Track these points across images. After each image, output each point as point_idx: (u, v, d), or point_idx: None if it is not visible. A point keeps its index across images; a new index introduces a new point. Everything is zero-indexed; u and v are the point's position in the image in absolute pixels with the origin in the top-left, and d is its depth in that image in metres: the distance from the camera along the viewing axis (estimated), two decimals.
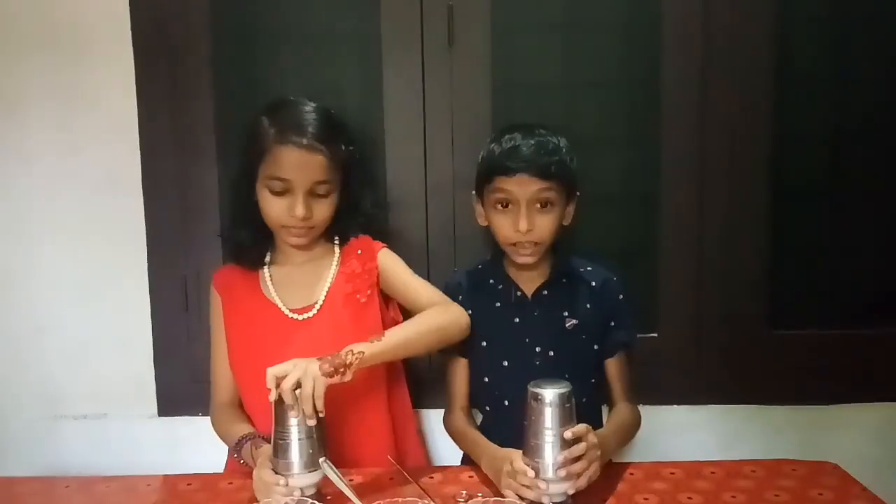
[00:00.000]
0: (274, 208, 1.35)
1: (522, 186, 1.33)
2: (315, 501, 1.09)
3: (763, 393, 1.68)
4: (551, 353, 1.41)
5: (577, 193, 1.42)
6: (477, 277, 1.48)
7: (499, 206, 1.38)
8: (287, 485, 1.12)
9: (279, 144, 1.32)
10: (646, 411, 1.54)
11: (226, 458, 1.45)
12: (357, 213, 1.45)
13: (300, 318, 1.40)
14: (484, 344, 1.43)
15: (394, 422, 1.47)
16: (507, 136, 1.37)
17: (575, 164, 1.39)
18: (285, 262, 1.45)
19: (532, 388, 1.15)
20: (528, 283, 1.45)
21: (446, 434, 1.48)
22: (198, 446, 1.54)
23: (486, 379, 1.44)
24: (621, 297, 1.46)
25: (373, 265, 1.46)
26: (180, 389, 1.68)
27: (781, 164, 1.64)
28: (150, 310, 1.67)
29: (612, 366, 1.46)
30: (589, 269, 1.46)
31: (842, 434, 1.67)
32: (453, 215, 1.65)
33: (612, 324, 1.45)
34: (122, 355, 1.69)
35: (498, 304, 1.44)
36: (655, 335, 1.69)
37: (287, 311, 1.40)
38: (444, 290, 1.47)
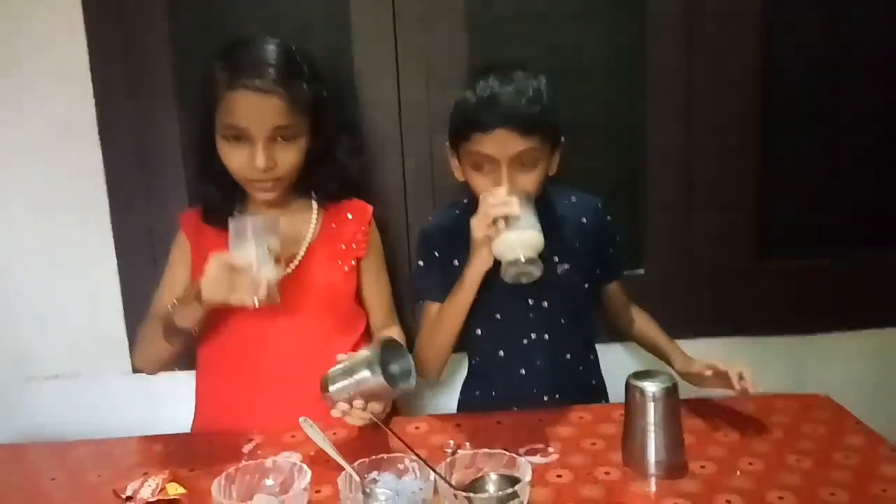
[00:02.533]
0: (234, 160, 1.26)
1: (503, 146, 1.19)
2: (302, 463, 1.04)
3: (753, 324, 1.66)
4: (545, 304, 1.35)
5: (563, 139, 1.30)
6: (455, 227, 1.35)
7: (475, 166, 1.25)
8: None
9: (231, 90, 1.22)
10: (633, 346, 1.54)
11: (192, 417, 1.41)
12: (332, 161, 1.36)
13: None
14: (476, 297, 1.35)
15: None
16: (483, 82, 1.23)
17: (558, 108, 1.26)
18: (258, 213, 1.37)
19: (634, 382, 1.07)
20: None
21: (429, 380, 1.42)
22: (174, 402, 1.48)
23: (479, 332, 1.39)
24: (609, 218, 1.41)
25: (364, 233, 1.39)
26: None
27: (772, 89, 1.58)
28: (116, 264, 1.60)
29: (615, 287, 1.45)
30: (573, 199, 1.39)
31: (833, 363, 1.67)
32: (431, 160, 1.57)
33: (611, 250, 1.41)
34: (92, 312, 1.62)
35: None
36: (642, 271, 1.65)
37: None
38: (419, 243, 1.41)
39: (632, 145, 1.61)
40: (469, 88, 1.25)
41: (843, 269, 1.66)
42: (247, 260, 1.14)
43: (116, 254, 1.59)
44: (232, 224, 1.18)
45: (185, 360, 1.39)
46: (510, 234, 1.14)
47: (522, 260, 1.13)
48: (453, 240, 1.34)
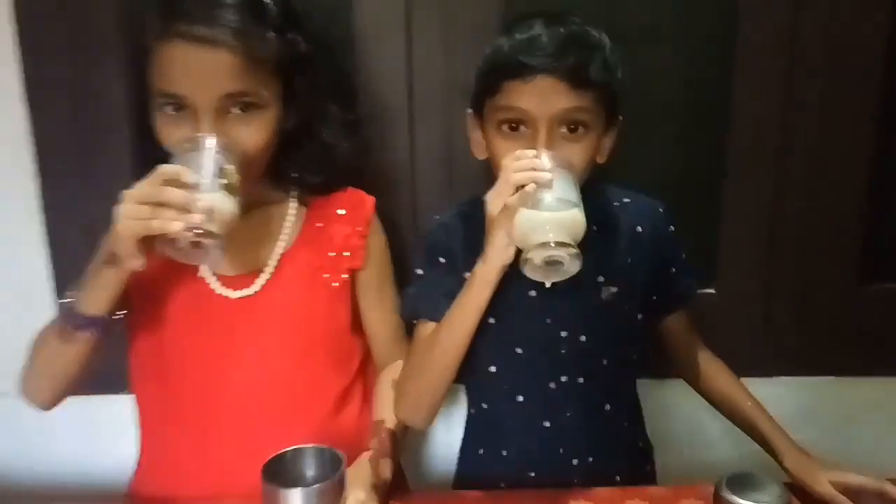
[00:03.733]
0: (172, 137, 0.92)
1: (544, 99, 0.91)
2: None
3: (849, 362, 1.33)
4: (582, 338, 1.03)
5: (620, 118, 1.00)
6: (472, 229, 1.04)
7: (505, 129, 0.95)
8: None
9: (162, 41, 0.89)
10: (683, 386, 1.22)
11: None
12: (315, 143, 1.03)
13: (234, 295, 1.01)
14: (492, 321, 1.02)
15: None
16: (524, 25, 0.95)
17: (619, 71, 0.96)
18: None
19: (730, 497, 0.80)
20: None
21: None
22: (119, 428, 1.21)
23: (493, 368, 1.06)
24: (672, 228, 1.08)
25: (361, 236, 1.07)
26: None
27: (892, 84, 1.22)
28: (49, 266, 1.29)
29: (677, 319, 1.12)
30: (626, 201, 1.07)
31: None
32: (448, 136, 1.23)
33: (673, 270, 1.08)
34: (20, 323, 1.27)
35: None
36: (712, 291, 1.32)
37: (214, 283, 1.01)
38: (427, 240, 1.07)
39: (708, 136, 1.28)
40: (504, 34, 0.97)
41: None
42: (193, 176, 0.84)
43: (50, 252, 1.30)
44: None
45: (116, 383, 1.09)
46: (538, 210, 0.85)
47: (552, 244, 0.82)
48: (467, 244, 1.02)
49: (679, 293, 1.11)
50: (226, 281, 1.01)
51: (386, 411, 1.04)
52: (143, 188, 0.83)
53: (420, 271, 1.07)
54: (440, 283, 1.03)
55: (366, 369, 1.14)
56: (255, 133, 0.93)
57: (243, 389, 1.01)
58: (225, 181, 0.86)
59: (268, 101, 0.94)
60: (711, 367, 1.14)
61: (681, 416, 1.35)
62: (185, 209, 0.81)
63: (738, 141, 1.25)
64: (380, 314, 1.12)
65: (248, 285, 1.01)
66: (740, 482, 0.80)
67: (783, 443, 1.04)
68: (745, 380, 1.31)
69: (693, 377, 1.15)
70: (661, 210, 1.08)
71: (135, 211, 0.82)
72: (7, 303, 1.32)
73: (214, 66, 0.88)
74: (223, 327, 1.00)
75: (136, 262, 0.84)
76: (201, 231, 0.81)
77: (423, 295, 1.06)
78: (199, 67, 0.88)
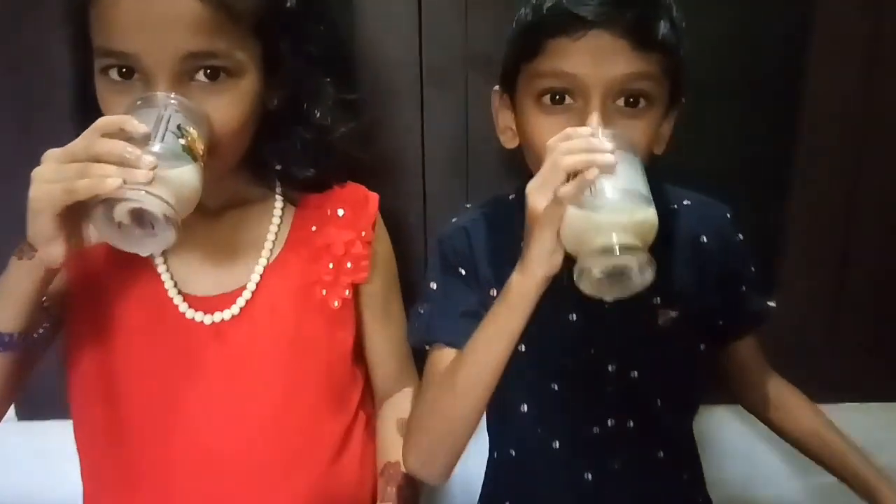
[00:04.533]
0: (117, 109, 0.70)
1: (598, 60, 0.72)
2: None
3: None
4: (634, 374, 0.84)
5: (683, 100, 0.81)
6: (498, 234, 0.86)
7: (546, 101, 0.76)
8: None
9: None
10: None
11: None
12: (303, 126, 0.82)
13: (209, 319, 0.81)
14: (522, 349, 0.81)
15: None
16: None
17: (686, 50, 0.77)
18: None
19: None
20: None
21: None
22: (69, 455, 0.98)
23: (525, 408, 0.86)
24: (740, 237, 0.89)
25: (366, 241, 0.87)
26: (44, 386, 1.10)
27: None
28: None
29: (746, 347, 0.95)
30: (687, 204, 0.88)
31: None
32: (465, 119, 1.03)
33: (743, 288, 0.89)
34: None
35: None
36: (772, 304, 1.11)
37: (183, 306, 0.81)
38: (440, 248, 0.87)
39: (777, 125, 1.07)
40: None
41: None
42: (142, 127, 0.65)
43: None
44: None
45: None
46: (600, 203, 0.65)
47: (617, 249, 0.63)
48: (492, 253, 0.84)
49: (751, 314, 0.91)
50: (196, 302, 0.81)
51: (395, 450, 0.85)
52: (72, 145, 0.63)
53: (434, 285, 0.86)
54: (459, 300, 0.84)
55: (366, 402, 0.94)
56: (226, 107, 0.72)
57: (215, 440, 0.81)
58: (184, 142, 0.66)
59: (243, 67, 0.73)
60: (789, 399, 0.95)
61: (732, 449, 1.16)
62: (126, 163, 0.61)
63: (809, 137, 1.06)
64: (385, 337, 0.93)
65: (224, 307, 0.81)
66: None
67: (882, 481, 0.87)
68: None
69: (764, 410, 0.97)
70: (728, 216, 0.89)
71: (56, 171, 0.62)
72: None
73: (173, 15, 0.68)
74: (191, 360, 0.80)
75: (54, 252, 0.65)
76: (149, 196, 0.61)
77: (438, 314, 0.85)
78: (152, 17, 0.68)
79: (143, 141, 0.64)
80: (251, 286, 0.82)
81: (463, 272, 0.85)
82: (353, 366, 0.90)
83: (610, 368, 0.84)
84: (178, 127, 0.67)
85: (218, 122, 0.72)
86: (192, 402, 0.80)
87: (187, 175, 0.66)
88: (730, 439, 1.13)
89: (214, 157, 0.72)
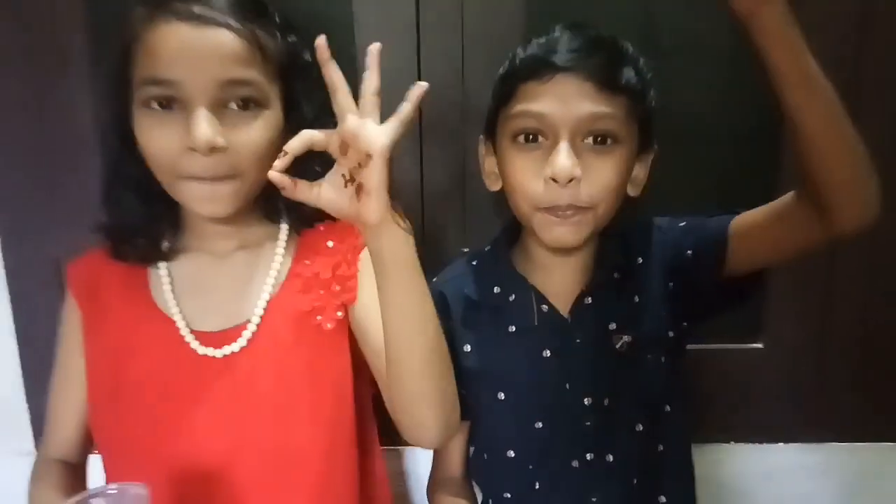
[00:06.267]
0: (158, 139, 0.78)
1: (565, 101, 0.79)
2: None
3: None
4: (606, 402, 0.87)
5: (656, 147, 0.87)
6: (472, 287, 0.92)
7: (520, 140, 0.82)
8: None
9: (152, 22, 0.77)
10: (742, 450, 1.16)
11: None
12: (313, 160, 0.85)
13: (217, 353, 0.85)
14: (501, 397, 0.88)
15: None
16: (544, 35, 0.84)
17: (655, 100, 0.84)
18: (198, 250, 0.89)
19: None
20: (560, 291, 0.89)
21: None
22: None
23: (512, 453, 0.90)
24: (683, 224, 0.89)
25: (351, 263, 0.91)
26: None
27: None
28: (10, 307, 1.14)
29: (741, 225, 0.84)
30: (625, 235, 0.92)
31: None
32: (462, 166, 1.08)
33: (689, 253, 0.87)
34: None
35: (513, 329, 0.89)
36: (759, 346, 1.16)
37: (193, 342, 0.85)
38: None
39: (757, 165, 1.11)
40: (522, 46, 0.86)
41: None
42: None
43: (10, 294, 1.14)
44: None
45: None
46: None
47: None
48: (464, 308, 0.91)
49: (717, 229, 0.84)
50: (206, 338, 0.85)
51: None
52: None
53: None
54: None
55: (365, 418, 0.96)
56: (255, 133, 0.79)
57: (222, 458, 0.85)
58: None
59: (270, 100, 0.81)
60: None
61: (728, 489, 1.19)
62: None
63: (786, 179, 1.08)
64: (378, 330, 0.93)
65: (231, 341, 0.85)
66: None
67: None
68: (795, 445, 1.19)
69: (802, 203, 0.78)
70: (657, 224, 0.91)
71: None
72: None
73: (214, 46, 0.76)
74: (203, 388, 0.85)
75: None
76: None
77: None
78: (196, 48, 0.76)
79: None
80: (255, 320, 0.86)
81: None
82: (355, 383, 0.92)
83: (586, 402, 0.87)
84: None
85: (247, 146, 0.79)
86: (202, 424, 0.84)
87: None
88: (727, 476, 1.17)
89: (240, 179, 0.79)
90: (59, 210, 1.11)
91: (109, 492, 0.72)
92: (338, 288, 0.89)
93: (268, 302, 0.88)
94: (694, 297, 0.87)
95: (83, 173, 1.08)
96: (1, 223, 1.11)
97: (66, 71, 1.06)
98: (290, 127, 0.82)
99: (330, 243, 0.91)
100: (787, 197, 0.80)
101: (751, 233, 0.83)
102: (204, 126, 0.76)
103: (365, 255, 0.91)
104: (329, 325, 0.89)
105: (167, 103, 0.77)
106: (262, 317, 0.87)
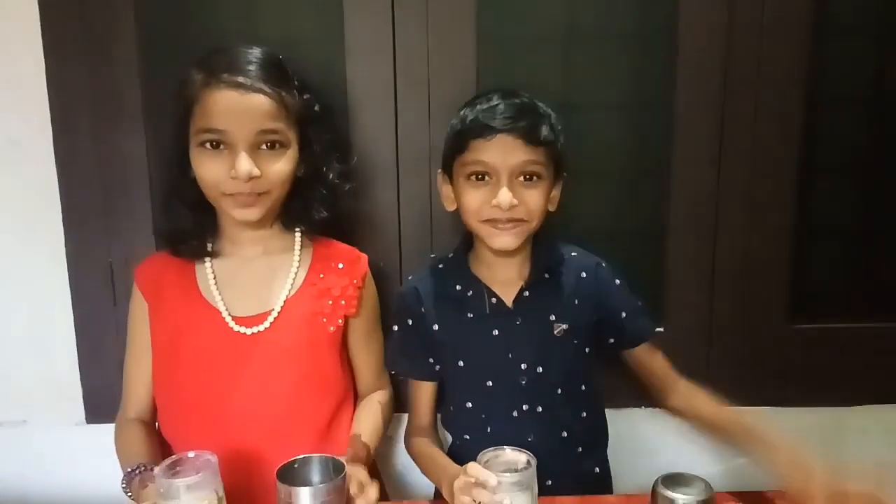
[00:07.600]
0: (210, 170, 1.09)
1: (504, 153, 1.10)
2: None
3: (781, 394, 1.46)
4: (539, 370, 1.18)
5: (565, 175, 1.19)
6: (439, 283, 1.22)
7: (473, 179, 1.13)
8: None
9: (208, 88, 1.07)
10: (648, 415, 1.39)
11: None
12: (322, 183, 1.19)
13: (248, 331, 1.16)
14: (461, 364, 1.20)
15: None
16: (483, 98, 1.15)
17: (563, 142, 1.16)
18: (232, 254, 1.20)
19: (664, 491, 0.95)
20: (505, 287, 1.20)
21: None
22: None
23: (470, 404, 1.22)
24: (618, 282, 1.23)
25: (356, 288, 1.22)
26: (110, 393, 1.40)
27: (812, 135, 1.40)
28: (71, 303, 1.41)
29: (643, 354, 1.24)
30: (574, 254, 1.23)
31: (869, 439, 1.49)
32: (430, 195, 1.39)
33: (623, 315, 1.22)
34: (43, 355, 1.44)
35: (470, 315, 1.20)
36: (662, 330, 1.46)
37: (231, 323, 1.16)
38: (397, 302, 1.25)
39: (653, 191, 1.44)
40: (467, 107, 1.16)
41: (885, 336, 1.49)
42: None
43: (71, 292, 1.41)
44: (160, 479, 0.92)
45: None
46: None
47: None
48: (437, 301, 1.22)
49: (634, 334, 1.24)
50: (240, 320, 1.16)
51: (361, 427, 1.21)
52: None
53: (395, 328, 1.25)
54: (412, 342, 1.23)
55: (350, 397, 1.28)
56: (280, 165, 1.12)
57: (247, 411, 1.16)
58: None
59: (290, 142, 1.13)
60: (688, 389, 1.21)
61: (641, 446, 1.46)
62: None
63: (676, 201, 1.42)
64: (365, 357, 1.28)
65: (259, 323, 1.16)
66: (674, 481, 0.95)
67: (777, 439, 1.06)
68: None
69: (667, 399, 1.23)
70: (603, 265, 1.23)
71: None
72: (29, 340, 1.44)
73: (252, 106, 1.07)
74: (238, 358, 1.15)
75: None
76: None
77: (398, 351, 1.26)
78: (239, 107, 1.07)
79: None
80: (276, 309, 1.17)
81: (411, 322, 1.22)
82: (341, 371, 1.24)
83: (523, 366, 1.18)
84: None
85: (274, 175, 1.11)
86: (235, 385, 1.15)
87: None
88: (637, 434, 1.46)
89: (267, 196, 1.11)
90: (111, 227, 1.40)
91: (189, 457, 0.93)
92: (343, 302, 1.21)
93: (286, 298, 1.18)
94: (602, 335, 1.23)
95: (132, 200, 1.38)
96: (69, 235, 1.39)
97: (120, 121, 1.35)
98: (303, 158, 1.15)
99: (340, 265, 1.22)
100: (660, 381, 1.24)
101: (641, 362, 1.24)
102: (245, 163, 1.07)
103: (368, 279, 1.24)
104: (332, 329, 1.20)
105: (216, 145, 1.09)
106: (281, 307, 1.17)
